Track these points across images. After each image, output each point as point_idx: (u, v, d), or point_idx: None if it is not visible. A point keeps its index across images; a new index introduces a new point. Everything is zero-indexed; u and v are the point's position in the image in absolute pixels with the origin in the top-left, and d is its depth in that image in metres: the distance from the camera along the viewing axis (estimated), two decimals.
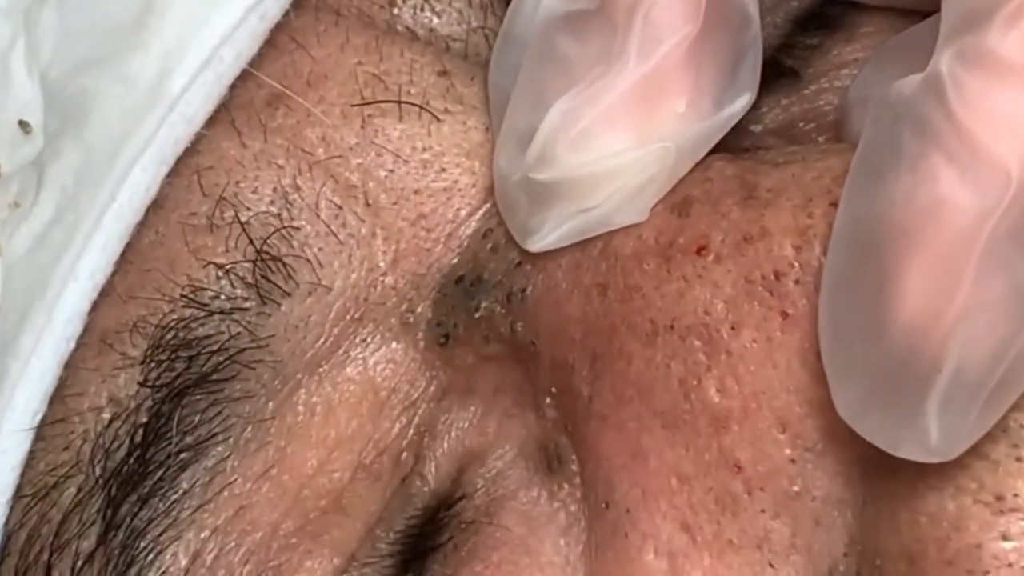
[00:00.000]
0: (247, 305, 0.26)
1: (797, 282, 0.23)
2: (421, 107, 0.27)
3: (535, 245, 0.25)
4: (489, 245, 0.27)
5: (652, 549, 0.24)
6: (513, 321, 0.27)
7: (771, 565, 0.23)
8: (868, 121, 0.22)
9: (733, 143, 0.26)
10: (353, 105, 0.27)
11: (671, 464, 0.24)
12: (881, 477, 0.22)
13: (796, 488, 0.23)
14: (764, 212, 0.24)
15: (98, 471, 0.26)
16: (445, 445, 0.27)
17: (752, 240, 0.24)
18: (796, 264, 0.23)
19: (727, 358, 0.23)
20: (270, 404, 0.27)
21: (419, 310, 0.27)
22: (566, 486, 0.26)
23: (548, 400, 0.27)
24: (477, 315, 0.27)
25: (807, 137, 0.30)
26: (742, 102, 0.25)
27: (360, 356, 0.27)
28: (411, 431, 0.27)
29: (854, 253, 0.21)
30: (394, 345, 0.27)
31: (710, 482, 0.24)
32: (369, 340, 0.27)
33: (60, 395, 0.26)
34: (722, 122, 0.25)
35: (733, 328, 0.23)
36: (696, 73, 0.24)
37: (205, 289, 0.26)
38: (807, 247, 0.23)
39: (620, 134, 0.24)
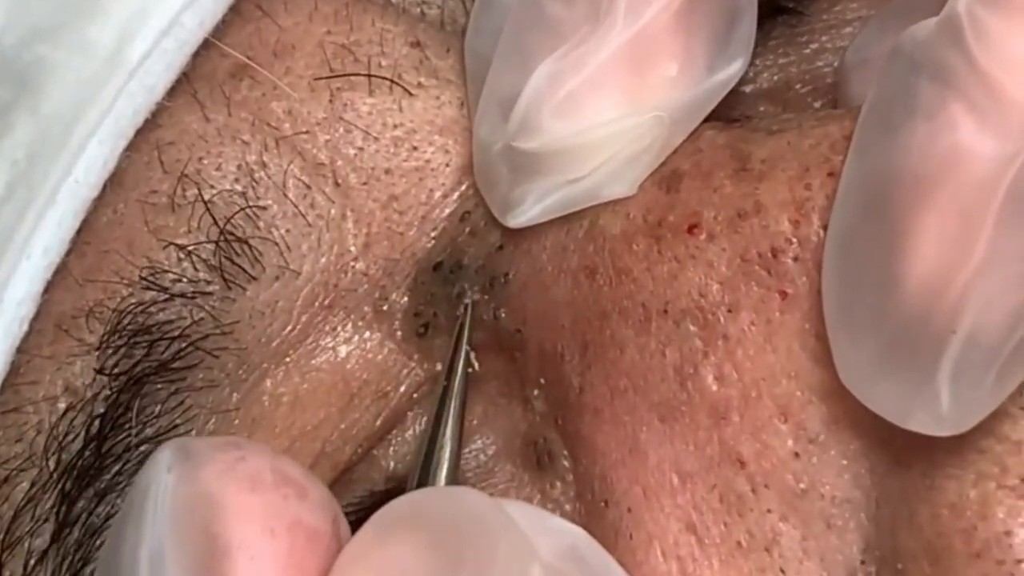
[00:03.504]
0: (210, 289, 0.25)
1: (796, 259, 0.22)
2: (392, 81, 0.26)
3: (517, 219, 0.24)
4: (467, 228, 0.26)
5: (659, 551, 0.23)
6: (496, 308, 0.26)
7: (782, 571, 0.22)
8: (878, 74, 0.21)
9: (723, 110, 0.25)
10: (320, 78, 0.25)
11: (671, 460, 0.23)
12: (892, 473, 0.21)
13: (802, 485, 0.22)
14: (758, 185, 0.23)
15: (52, 464, 0.25)
16: (416, 429, 0.26)
17: (747, 216, 0.23)
18: (794, 240, 0.22)
19: (724, 343, 0.22)
20: (234, 395, 0.26)
21: (393, 297, 0.26)
22: (559, 484, 0.25)
23: (536, 392, 0.26)
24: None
25: (802, 101, 0.29)
26: (736, 67, 0.24)
27: (330, 345, 0.26)
28: (379, 422, 0.26)
29: (863, 208, 0.20)
30: (367, 334, 0.26)
31: (713, 479, 0.23)
32: (340, 329, 0.26)
33: (12, 383, 0.25)
34: (716, 88, 0.24)
35: (730, 311, 0.23)
36: (687, 36, 0.23)
37: (166, 272, 0.25)
38: (805, 221, 0.22)
39: (609, 100, 0.23)
